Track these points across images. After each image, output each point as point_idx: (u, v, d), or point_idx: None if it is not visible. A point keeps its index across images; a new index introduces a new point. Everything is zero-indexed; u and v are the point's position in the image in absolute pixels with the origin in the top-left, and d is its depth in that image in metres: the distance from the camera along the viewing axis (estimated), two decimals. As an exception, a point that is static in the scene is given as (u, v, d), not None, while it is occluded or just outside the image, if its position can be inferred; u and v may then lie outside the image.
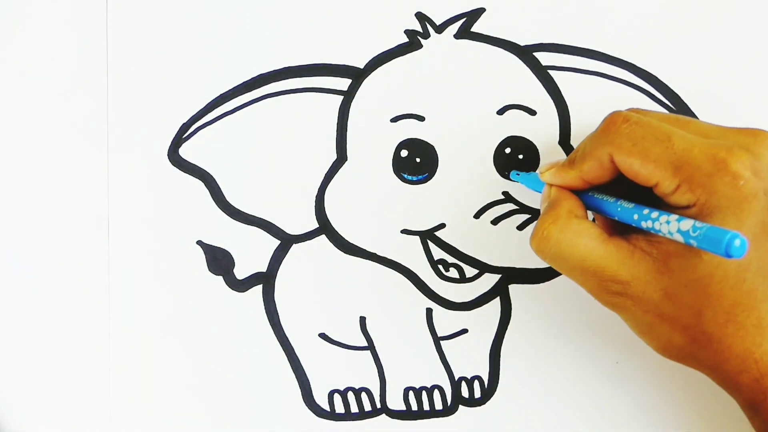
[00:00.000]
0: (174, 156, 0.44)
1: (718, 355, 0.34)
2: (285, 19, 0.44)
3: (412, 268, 0.44)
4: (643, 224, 0.33)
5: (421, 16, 0.44)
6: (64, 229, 0.44)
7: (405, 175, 0.44)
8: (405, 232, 0.44)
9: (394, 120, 0.44)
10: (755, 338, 0.33)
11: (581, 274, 0.35)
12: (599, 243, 0.34)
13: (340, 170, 0.44)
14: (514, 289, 0.44)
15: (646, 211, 0.33)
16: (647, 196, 0.35)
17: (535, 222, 0.42)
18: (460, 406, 0.45)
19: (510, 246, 0.44)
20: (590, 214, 0.39)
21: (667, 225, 0.32)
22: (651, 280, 0.33)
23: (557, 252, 0.35)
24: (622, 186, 0.36)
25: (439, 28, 0.44)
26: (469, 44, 0.44)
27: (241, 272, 0.44)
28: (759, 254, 0.33)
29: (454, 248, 0.44)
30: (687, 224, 0.31)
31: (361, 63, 0.44)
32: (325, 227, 0.44)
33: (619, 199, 0.35)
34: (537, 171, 0.38)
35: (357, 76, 0.44)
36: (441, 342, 0.44)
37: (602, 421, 0.44)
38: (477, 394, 0.45)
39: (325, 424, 0.45)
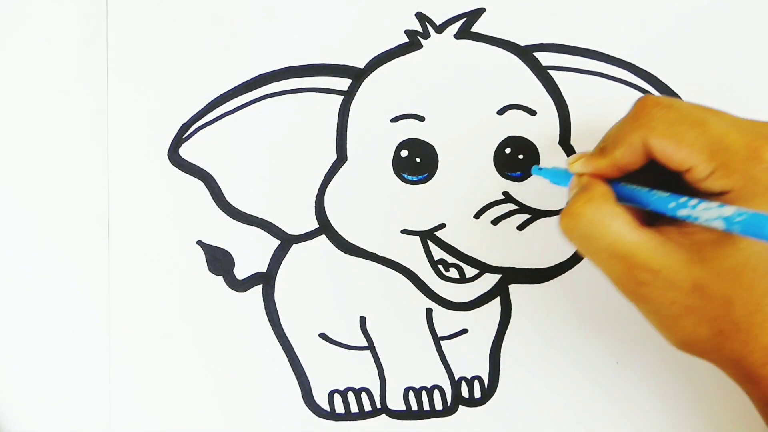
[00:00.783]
0: (174, 156, 0.44)
1: (745, 346, 0.33)
2: (285, 19, 0.44)
3: (412, 268, 0.44)
4: (681, 212, 0.32)
5: (421, 16, 0.44)
6: (64, 229, 0.44)
7: (405, 175, 0.44)
8: (405, 232, 0.44)
9: (394, 120, 0.44)
10: None
11: (610, 258, 0.34)
12: (631, 229, 0.33)
13: (340, 170, 0.44)
14: (514, 289, 0.44)
15: (683, 198, 0.32)
16: (674, 187, 0.35)
17: (536, 220, 0.42)
18: (460, 406, 0.45)
19: (510, 246, 0.44)
20: None
21: (707, 212, 0.31)
22: (681, 270, 0.33)
23: (588, 232, 0.34)
24: (647, 177, 0.36)
25: (439, 28, 0.44)
26: (469, 44, 0.44)
27: (241, 272, 0.44)
28: None
29: (454, 248, 0.44)
30: (729, 210, 0.30)
31: (361, 63, 0.44)
32: (325, 227, 0.44)
33: (653, 188, 0.34)
34: (557, 165, 0.37)
35: (357, 76, 0.44)
36: (441, 342, 0.45)
37: (602, 421, 0.44)
38: (477, 394, 0.45)
39: (325, 424, 0.45)
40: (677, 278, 0.33)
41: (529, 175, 0.44)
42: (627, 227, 0.34)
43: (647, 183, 0.36)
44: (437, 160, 0.44)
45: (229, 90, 0.44)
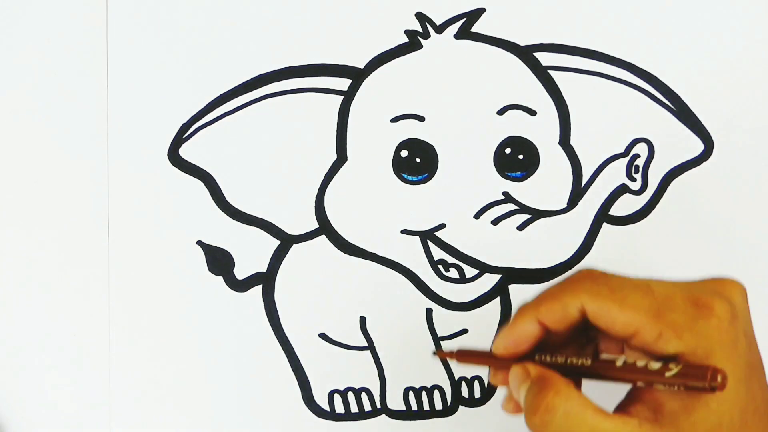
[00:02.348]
0: (174, 156, 0.44)
1: None
2: (285, 19, 0.44)
3: (412, 268, 0.44)
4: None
5: (421, 16, 0.44)
6: (64, 229, 0.44)
7: (405, 175, 0.44)
8: (405, 232, 0.44)
9: (394, 120, 0.44)
10: None
11: None
12: (604, 417, 0.32)
13: (340, 170, 0.44)
14: (514, 289, 0.44)
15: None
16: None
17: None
18: (460, 406, 0.45)
19: (510, 246, 0.44)
20: None
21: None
22: None
23: (565, 426, 0.32)
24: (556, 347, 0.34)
25: (439, 29, 0.44)
26: (469, 44, 0.44)
27: (241, 272, 0.44)
28: (752, 395, 0.32)
29: (454, 248, 0.44)
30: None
31: (361, 63, 0.44)
32: (325, 227, 0.44)
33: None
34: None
35: (357, 76, 0.44)
36: (441, 342, 0.44)
37: (602, 421, 0.44)
38: (477, 394, 0.45)
39: (325, 424, 0.45)
40: None
41: (530, 175, 0.44)
42: (600, 416, 0.32)
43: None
44: (437, 160, 0.44)
45: (229, 90, 0.44)
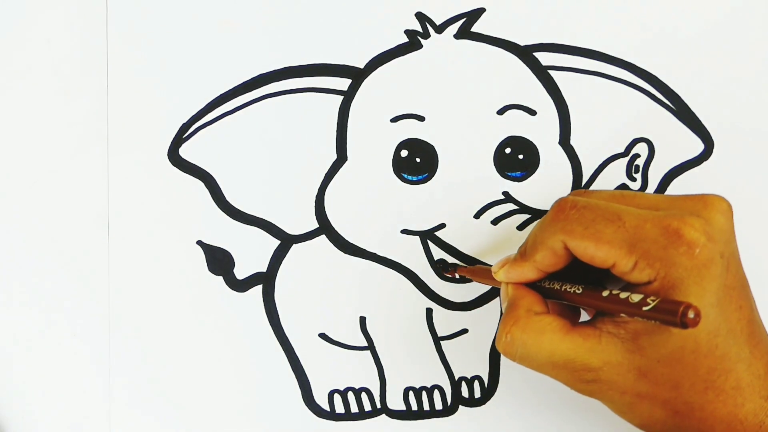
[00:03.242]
0: (174, 156, 0.44)
1: (703, 423, 0.33)
2: (285, 19, 0.44)
3: (412, 268, 0.44)
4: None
5: (421, 16, 0.44)
6: (64, 229, 0.44)
7: (405, 175, 0.44)
8: (405, 232, 0.44)
9: (394, 120, 0.44)
10: (736, 400, 0.33)
11: (552, 369, 0.34)
12: (564, 335, 0.34)
13: (340, 170, 0.44)
14: (514, 289, 0.44)
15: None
16: (606, 277, 0.35)
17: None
18: (460, 406, 0.45)
19: (510, 246, 0.44)
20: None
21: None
22: (623, 361, 0.33)
23: (524, 353, 0.35)
24: (578, 270, 0.36)
25: (439, 28, 0.44)
26: (469, 44, 0.44)
27: (241, 272, 0.44)
28: (726, 317, 0.32)
29: (454, 248, 0.44)
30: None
31: (361, 63, 0.44)
32: (325, 227, 0.44)
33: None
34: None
35: (357, 76, 0.44)
36: (441, 342, 0.45)
37: (602, 421, 0.44)
38: (477, 394, 0.45)
39: (325, 424, 0.45)
40: (620, 371, 0.33)
41: (530, 175, 0.44)
42: (558, 335, 0.34)
43: (579, 276, 0.35)
44: (437, 160, 0.44)
45: (229, 90, 0.44)
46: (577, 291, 0.34)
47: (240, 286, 0.44)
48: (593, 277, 0.36)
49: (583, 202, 0.34)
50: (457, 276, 0.42)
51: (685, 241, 0.32)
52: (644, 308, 0.30)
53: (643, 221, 0.32)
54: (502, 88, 0.44)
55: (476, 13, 0.44)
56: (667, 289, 0.32)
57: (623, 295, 0.32)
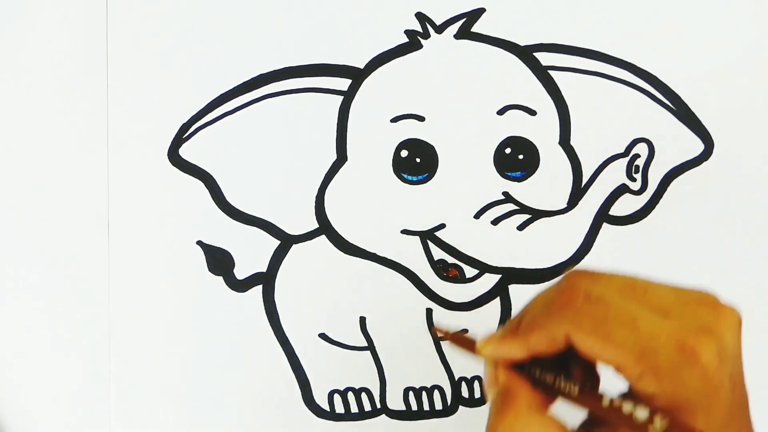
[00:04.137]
0: (174, 156, 0.44)
1: None
2: (285, 19, 0.44)
3: (412, 268, 0.44)
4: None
5: (421, 17, 0.44)
6: (64, 229, 0.44)
7: (405, 175, 0.44)
8: (405, 232, 0.44)
9: (394, 120, 0.44)
10: None
11: None
12: None
13: (340, 170, 0.44)
14: (514, 289, 0.44)
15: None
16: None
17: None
18: (460, 406, 0.45)
19: (510, 246, 0.44)
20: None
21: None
22: None
23: None
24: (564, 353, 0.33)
25: (439, 28, 0.44)
26: (469, 44, 0.44)
27: (241, 272, 0.44)
28: None
29: (454, 248, 0.44)
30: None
31: (361, 63, 0.44)
32: (325, 227, 0.44)
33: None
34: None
35: (357, 76, 0.44)
36: (441, 342, 0.44)
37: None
38: (477, 394, 0.45)
39: (325, 424, 0.45)
40: None
41: (530, 175, 0.44)
42: None
43: (560, 361, 0.34)
44: (437, 160, 0.44)
45: (229, 90, 0.44)
46: (573, 390, 0.32)
47: (240, 286, 0.44)
48: (581, 360, 0.34)
49: (596, 295, 0.32)
50: (439, 335, 0.40)
51: (701, 363, 0.30)
52: (650, 427, 0.29)
53: (658, 330, 0.30)
54: (502, 88, 0.44)
55: (476, 14, 0.44)
56: (673, 408, 0.30)
57: (626, 407, 0.30)
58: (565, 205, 0.44)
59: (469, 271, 0.44)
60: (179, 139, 0.44)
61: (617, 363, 0.31)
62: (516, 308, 0.44)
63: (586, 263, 0.44)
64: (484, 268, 0.44)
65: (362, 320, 0.44)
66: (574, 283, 0.32)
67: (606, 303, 0.31)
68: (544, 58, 0.44)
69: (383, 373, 0.45)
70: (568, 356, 0.33)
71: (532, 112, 0.44)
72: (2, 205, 0.44)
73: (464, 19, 0.44)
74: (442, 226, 0.44)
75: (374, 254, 0.44)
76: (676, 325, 0.31)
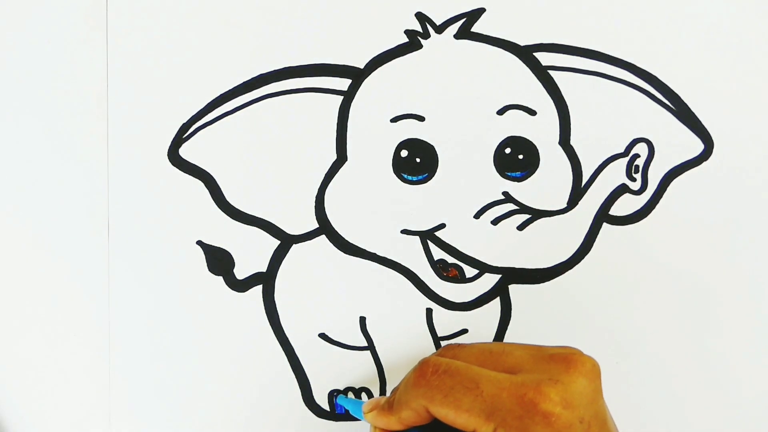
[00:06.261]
0: (174, 156, 0.44)
1: None
2: (285, 19, 0.44)
3: (412, 268, 0.44)
4: None
5: (421, 17, 0.44)
6: (64, 229, 0.44)
7: (405, 175, 0.44)
8: (405, 232, 0.44)
9: (394, 120, 0.44)
10: None
11: None
12: None
13: (340, 170, 0.44)
14: (514, 289, 0.44)
15: None
16: None
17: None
18: (460, 406, 0.45)
19: (510, 246, 0.44)
20: None
21: None
22: None
23: None
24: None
25: (439, 29, 0.44)
26: (469, 44, 0.44)
27: (241, 272, 0.44)
28: None
29: (454, 248, 0.44)
30: None
31: (361, 63, 0.44)
32: (325, 227, 0.44)
33: None
34: (363, 409, 0.39)
35: (357, 76, 0.44)
36: (441, 342, 0.45)
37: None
38: (477, 394, 0.45)
39: (325, 424, 0.45)
40: None
41: (530, 175, 0.44)
42: None
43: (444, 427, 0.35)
44: (437, 160, 0.44)
45: (229, 90, 0.44)
46: None
47: (240, 286, 0.44)
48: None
49: (444, 366, 0.35)
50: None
51: (540, 411, 0.32)
52: None
53: (500, 390, 0.33)
54: (502, 88, 0.44)
55: (476, 13, 0.44)
56: None
57: None
58: (565, 205, 0.44)
59: (469, 271, 0.44)
60: (179, 139, 0.44)
61: (471, 426, 0.33)
62: (516, 308, 0.45)
63: (587, 263, 0.44)
64: (484, 268, 0.44)
65: (362, 320, 0.44)
66: (425, 361, 0.35)
67: (452, 373, 0.34)
68: (544, 58, 0.44)
69: (383, 373, 0.45)
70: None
71: (532, 112, 0.44)
72: (2, 205, 0.44)
73: (464, 19, 0.44)
74: (442, 226, 0.44)
75: (374, 254, 0.44)
76: (518, 381, 0.33)
